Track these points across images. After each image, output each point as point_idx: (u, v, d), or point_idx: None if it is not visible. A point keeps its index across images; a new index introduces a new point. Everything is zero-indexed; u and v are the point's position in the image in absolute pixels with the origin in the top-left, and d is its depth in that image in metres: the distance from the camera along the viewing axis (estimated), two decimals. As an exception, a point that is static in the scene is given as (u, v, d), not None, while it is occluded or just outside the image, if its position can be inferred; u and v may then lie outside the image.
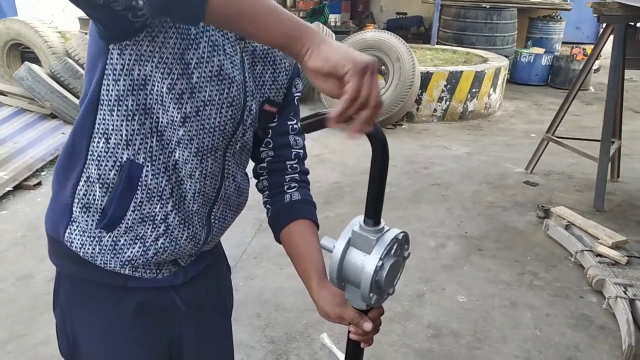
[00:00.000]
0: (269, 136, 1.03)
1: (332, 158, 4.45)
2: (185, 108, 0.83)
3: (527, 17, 8.32)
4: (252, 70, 0.93)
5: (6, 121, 4.29)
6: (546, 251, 3.06)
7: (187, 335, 1.06)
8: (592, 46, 3.96)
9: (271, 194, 1.05)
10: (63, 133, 4.40)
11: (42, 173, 3.92)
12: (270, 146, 1.04)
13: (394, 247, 0.79)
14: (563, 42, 8.48)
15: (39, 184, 3.76)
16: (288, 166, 1.04)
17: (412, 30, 10.40)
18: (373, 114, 0.69)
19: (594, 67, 7.59)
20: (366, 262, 0.77)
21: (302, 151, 1.06)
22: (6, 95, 4.65)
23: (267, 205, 1.06)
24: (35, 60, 5.19)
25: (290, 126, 1.04)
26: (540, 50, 7.75)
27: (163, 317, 1.01)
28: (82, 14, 4.94)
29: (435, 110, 5.62)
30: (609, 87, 3.59)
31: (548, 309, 2.54)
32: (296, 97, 1.04)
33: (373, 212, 0.77)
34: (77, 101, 4.57)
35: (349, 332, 0.89)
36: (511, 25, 7.93)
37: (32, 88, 4.43)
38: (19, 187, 3.64)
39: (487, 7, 7.70)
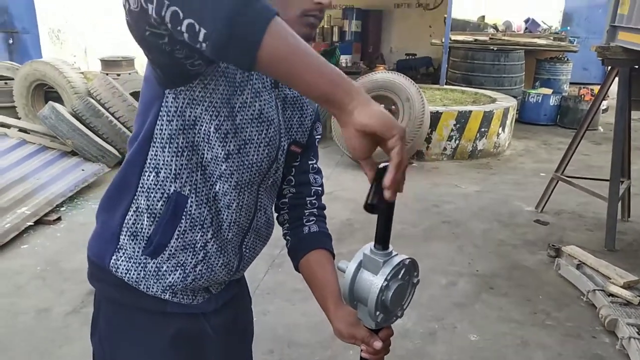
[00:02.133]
0: (292, 174, 1.13)
1: (344, 195, 4.52)
2: (229, 146, 0.93)
3: (535, 59, 8.50)
4: (284, 114, 1.03)
5: (29, 158, 4.44)
6: (558, 290, 3.07)
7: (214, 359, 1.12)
8: (599, 86, 4.04)
9: (291, 227, 1.15)
10: (82, 170, 4.54)
11: (62, 208, 4.04)
12: (292, 183, 1.14)
13: (401, 271, 0.86)
14: (571, 83, 8.61)
15: (59, 219, 3.87)
16: (307, 202, 1.14)
17: (421, 70, 10.64)
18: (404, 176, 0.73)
19: (602, 108, 7.71)
20: (373, 282, 0.84)
21: (320, 188, 1.17)
22: (29, 133, 4.83)
23: (287, 237, 1.16)
24: (58, 99, 5.41)
25: (311, 165, 1.15)
26: (548, 91, 7.88)
27: (196, 344, 1.07)
28: (105, 56, 5.16)
29: (445, 148, 5.71)
30: (615, 128, 3.66)
31: (560, 348, 2.54)
32: (317, 139, 1.16)
33: (382, 238, 0.85)
34: (97, 139, 4.74)
35: (361, 350, 0.95)
36: (519, 66, 8.10)
37: (55, 126, 4.60)
38: (39, 222, 3.75)
39: (495, 49, 7.90)
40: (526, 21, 9.23)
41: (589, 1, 9.66)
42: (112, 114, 5.10)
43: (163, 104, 0.89)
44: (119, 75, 5.94)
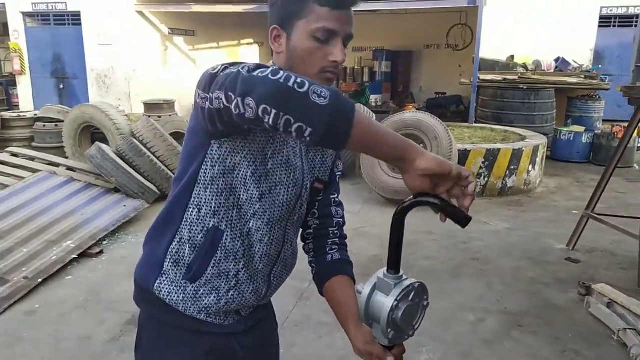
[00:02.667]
0: (316, 207, 1.27)
1: (372, 231, 4.60)
2: (262, 187, 1.08)
3: (566, 97, 8.51)
4: (307, 156, 1.18)
5: (75, 194, 4.73)
6: (588, 329, 3.03)
7: None
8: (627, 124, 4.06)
9: (316, 255, 1.28)
10: (124, 205, 4.80)
11: (104, 242, 4.27)
12: (316, 216, 1.28)
13: (411, 294, 0.97)
14: (604, 120, 8.54)
15: (101, 252, 4.09)
16: (330, 232, 1.28)
17: (451, 109, 10.78)
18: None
19: (638, 145, 7.60)
20: (385, 303, 0.95)
21: (342, 220, 1.30)
22: (75, 171, 5.16)
23: (312, 264, 1.29)
24: (104, 140, 5.78)
25: (332, 199, 1.28)
26: (581, 129, 7.84)
27: None
28: (147, 99, 5.55)
29: (474, 186, 5.73)
30: (645, 165, 3.65)
31: (591, 388, 2.51)
32: (337, 176, 1.30)
33: (394, 264, 0.97)
34: (138, 177, 5.02)
35: None
36: (549, 104, 8.12)
37: (101, 165, 4.90)
38: (83, 255, 3.97)
39: (524, 87, 7.98)
40: (556, 60, 9.28)
41: (620, 39, 9.65)
42: (153, 154, 5.39)
43: (208, 152, 1.05)
44: (160, 117, 6.31)
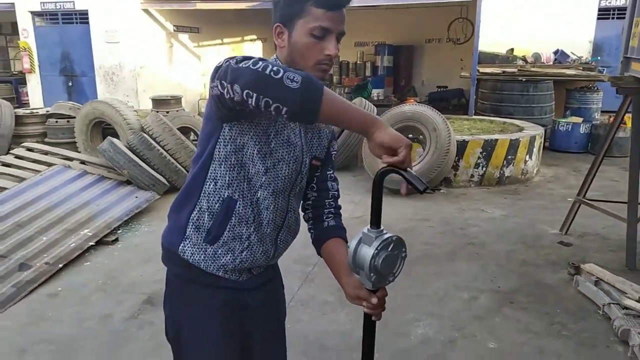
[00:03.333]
0: (314, 182, 1.48)
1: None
2: (267, 163, 1.29)
3: (565, 89, 8.65)
4: (305, 136, 1.38)
5: (90, 187, 4.95)
6: (576, 305, 3.22)
7: (254, 329, 1.44)
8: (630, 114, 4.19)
9: (314, 222, 1.49)
10: (136, 197, 5.01)
11: (119, 231, 4.49)
12: (314, 189, 1.49)
13: (390, 245, 1.18)
14: (602, 111, 8.68)
15: (116, 240, 4.32)
16: (326, 203, 1.49)
17: (453, 102, 10.90)
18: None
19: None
20: (367, 252, 1.16)
21: (337, 192, 1.51)
22: (86, 165, 5.38)
23: (311, 230, 1.50)
24: (114, 135, 5.99)
25: (329, 175, 1.49)
26: (579, 120, 8.00)
27: (239, 313, 1.40)
28: (155, 95, 5.82)
29: (472, 175, 5.93)
30: (631, 153, 3.83)
31: (575, 356, 2.70)
32: (333, 154, 1.50)
33: (375, 220, 1.18)
34: (149, 169, 5.23)
35: (364, 308, 1.27)
36: (548, 96, 8.28)
37: (113, 158, 5.12)
38: (99, 243, 4.20)
39: (523, 80, 8.13)
40: (555, 52, 9.42)
41: (618, 31, 9.74)
42: (163, 147, 5.61)
43: (221, 134, 1.26)
44: (167, 112, 6.52)
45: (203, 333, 1.36)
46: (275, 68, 1.05)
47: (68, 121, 6.74)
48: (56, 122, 6.77)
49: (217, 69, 1.13)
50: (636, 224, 3.80)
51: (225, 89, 1.09)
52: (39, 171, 5.00)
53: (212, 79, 1.14)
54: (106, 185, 5.10)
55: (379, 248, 1.16)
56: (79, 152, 6.33)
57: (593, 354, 2.71)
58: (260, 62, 1.06)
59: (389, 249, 1.17)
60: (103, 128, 6.56)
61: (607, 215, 4.27)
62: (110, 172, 5.29)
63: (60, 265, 3.74)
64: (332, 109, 1.08)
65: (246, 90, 1.05)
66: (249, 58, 1.10)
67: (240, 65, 1.07)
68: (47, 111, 7.17)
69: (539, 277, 3.65)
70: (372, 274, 1.17)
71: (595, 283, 3.33)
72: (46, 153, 5.59)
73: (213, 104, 1.20)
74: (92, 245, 4.10)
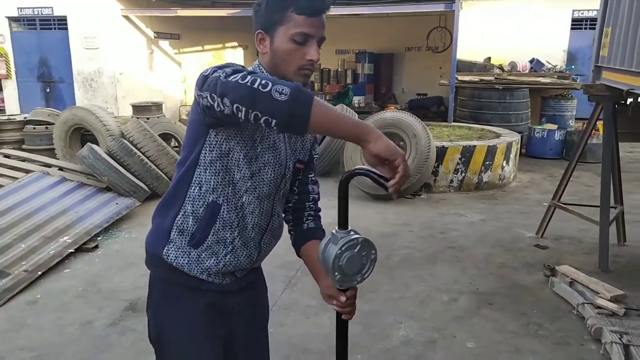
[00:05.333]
0: (295, 185, 1.51)
1: (358, 224, 4.79)
2: (253, 168, 1.31)
3: (540, 97, 8.88)
4: (289, 140, 1.41)
5: (69, 193, 4.89)
6: (551, 306, 3.32)
7: (237, 332, 1.46)
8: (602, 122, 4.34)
9: (294, 224, 1.53)
10: (117, 204, 4.98)
11: (99, 238, 4.45)
12: (295, 192, 1.52)
13: (357, 246, 1.21)
14: (577, 118, 8.92)
15: (96, 247, 4.28)
16: (307, 206, 1.53)
17: (432, 109, 11.09)
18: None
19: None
20: (332, 250, 1.20)
21: (317, 195, 1.55)
22: (65, 171, 5.31)
23: (291, 232, 1.54)
24: (93, 141, 5.93)
25: (310, 178, 1.53)
26: (554, 127, 8.20)
27: (222, 315, 1.42)
28: (136, 102, 5.82)
29: (451, 181, 6.04)
30: (603, 158, 3.98)
31: (550, 354, 2.78)
32: (315, 157, 1.54)
33: (342, 222, 1.23)
34: (130, 176, 5.20)
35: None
36: (524, 103, 8.49)
37: (93, 165, 5.07)
38: (79, 250, 4.15)
39: (500, 88, 8.32)
40: (531, 61, 9.67)
41: (591, 41, 10.10)
42: (144, 154, 5.58)
43: (207, 139, 1.27)
44: (148, 118, 6.50)
45: (186, 335, 1.38)
46: (264, 81, 1.07)
47: (46, 128, 6.64)
48: (34, 128, 6.67)
49: (205, 77, 1.14)
50: (608, 227, 3.93)
51: (216, 102, 1.11)
52: (16, 178, 4.93)
53: (200, 88, 1.15)
54: (86, 191, 5.05)
55: (343, 248, 1.19)
56: (58, 158, 6.25)
57: (568, 352, 2.80)
58: (249, 76, 1.08)
59: (355, 250, 1.21)
60: (82, 134, 6.49)
61: (581, 219, 4.40)
62: (89, 178, 5.24)
63: (40, 273, 3.69)
64: (322, 120, 1.10)
65: (236, 104, 1.08)
66: (239, 70, 1.12)
67: (230, 79, 1.09)
68: (25, 117, 7.07)
69: (516, 279, 3.74)
70: (336, 273, 1.21)
71: (570, 284, 3.43)
72: (24, 160, 5.52)
73: (200, 111, 1.21)
74: (71, 252, 4.06)
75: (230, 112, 1.09)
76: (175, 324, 1.39)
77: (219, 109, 1.11)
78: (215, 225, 1.32)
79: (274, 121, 1.07)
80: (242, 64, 1.15)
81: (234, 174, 1.30)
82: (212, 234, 1.32)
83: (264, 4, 1.29)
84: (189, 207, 1.32)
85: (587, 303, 3.12)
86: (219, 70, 1.13)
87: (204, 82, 1.14)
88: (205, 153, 1.28)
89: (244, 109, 1.07)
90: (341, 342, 1.35)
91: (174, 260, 1.35)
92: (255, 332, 1.54)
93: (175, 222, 1.34)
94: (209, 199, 1.30)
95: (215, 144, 1.27)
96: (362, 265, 1.24)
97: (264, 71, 1.32)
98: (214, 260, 1.34)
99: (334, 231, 1.23)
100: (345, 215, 1.23)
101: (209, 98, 1.12)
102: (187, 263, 1.34)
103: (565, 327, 3.05)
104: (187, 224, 1.33)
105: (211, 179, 1.29)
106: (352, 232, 1.22)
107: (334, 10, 1.33)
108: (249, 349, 1.50)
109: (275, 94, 1.06)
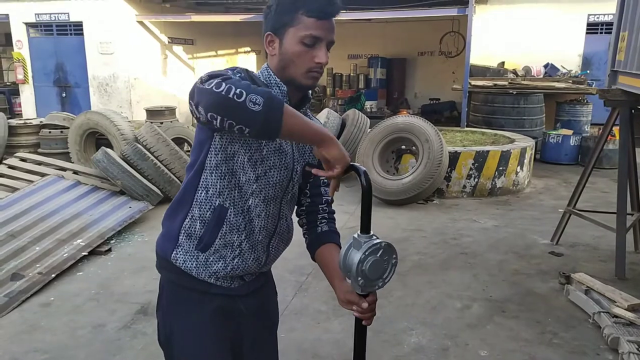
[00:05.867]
0: (307, 188, 1.50)
1: (367, 230, 4.82)
2: (258, 171, 1.31)
3: (555, 102, 8.78)
4: (297, 144, 1.41)
5: (83, 197, 4.95)
6: (566, 314, 3.26)
7: (246, 335, 1.45)
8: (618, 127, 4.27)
9: (308, 227, 1.51)
10: (130, 207, 5.01)
11: (112, 241, 4.49)
12: (308, 195, 1.51)
13: (379, 251, 1.20)
14: (592, 124, 8.80)
15: (109, 250, 4.31)
16: (320, 208, 1.51)
17: (445, 114, 11.03)
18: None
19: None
20: (356, 255, 1.19)
21: (330, 198, 1.52)
22: (80, 175, 5.37)
23: (305, 235, 1.52)
24: (108, 145, 6.00)
25: (322, 180, 1.51)
26: (569, 132, 8.11)
27: (231, 319, 1.41)
28: (149, 106, 5.89)
29: (464, 186, 5.99)
30: (619, 164, 3.91)
31: (565, 364, 2.73)
32: None
33: (365, 226, 1.21)
34: (143, 180, 5.24)
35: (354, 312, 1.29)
36: (538, 109, 8.39)
37: (107, 169, 5.12)
38: (92, 253, 4.19)
39: (514, 92, 8.25)
40: (545, 66, 9.56)
41: (607, 45, 9.97)
42: (157, 158, 5.62)
43: (212, 142, 1.28)
44: (161, 123, 6.55)
45: (195, 339, 1.37)
46: (238, 90, 1.07)
47: (62, 132, 6.74)
48: (50, 132, 6.76)
49: (195, 85, 1.16)
50: (625, 234, 3.86)
51: (194, 109, 1.14)
52: (32, 181, 5.00)
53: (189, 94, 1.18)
54: (100, 195, 5.10)
55: (367, 253, 1.18)
56: (73, 162, 6.33)
57: (583, 362, 2.74)
58: (224, 84, 1.08)
59: (378, 255, 1.20)
60: (97, 138, 6.57)
61: (597, 226, 4.33)
62: (103, 182, 5.29)
63: (53, 275, 3.73)
64: (292, 126, 1.14)
65: (210, 113, 1.10)
66: (216, 76, 1.12)
67: (205, 86, 1.09)
68: (41, 122, 7.17)
69: (530, 286, 3.68)
70: (359, 278, 1.20)
71: (586, 292, 3.37)
72: (39, 163, 5.59)
73: None
74: (85, 255, 4.09)
75: (205, 120, 1.12)
76: (183, 327, 1.39)
77: (196, 115, 1.15)
78: (222, 229, 1.32)
79: (247, 129, 1.10)
80: (254, 69, 1.15)
81: (239, 177, 1.30)
82: (219, 237, 1.32)
83: (274, 6, 1.29)
84: (196, 211, 1.32)
85: (603, 312, 3.06)
86: (203, 76, 1.14)
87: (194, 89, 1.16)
88: (211, 156, 1.28)
89: (218, 117, 1.09)
90: (359, 347, 1.33)
91: (183, 264, 1.35)
92: (264, 336, 1.53)
93: (183, 226, 1.34)
94: (215, 203, 1.30)
95: (220, 147, 1.27)
96: (383, 269, 1.23)
97: (271, 73, 1.33)
98: (222, 264, 1.34)
99: (355, 235, 1.22)
100: (368, 220, 1.22)
101: (191, 105, 1.16)
102: (195, 267, 1.34)
103: (580, 336, 2.99)
104: (195, 227, 1.33)
105: (217, 182, 1.29)
106: (374, 237, 1.21)
107: (346, 16, 1.33)
108: (257, 353, 1.49)
109: (249, 104, 1.07)
